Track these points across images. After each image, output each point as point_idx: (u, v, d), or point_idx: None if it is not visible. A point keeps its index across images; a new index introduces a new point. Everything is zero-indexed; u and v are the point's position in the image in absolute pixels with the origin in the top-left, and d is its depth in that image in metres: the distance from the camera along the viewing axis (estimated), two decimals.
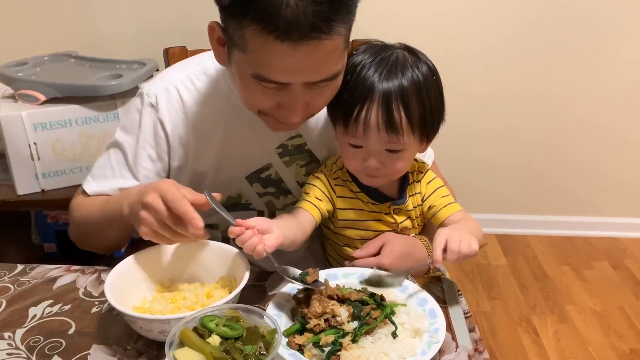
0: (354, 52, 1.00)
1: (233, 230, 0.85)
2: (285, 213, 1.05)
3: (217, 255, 0.96)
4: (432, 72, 0.99)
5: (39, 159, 1.66)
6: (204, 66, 1.09)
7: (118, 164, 1.11)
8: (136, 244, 0.96)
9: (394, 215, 1.09)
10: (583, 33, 2.47)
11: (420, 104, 0.96)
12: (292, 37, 0.81)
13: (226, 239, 1.17)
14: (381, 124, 0.94)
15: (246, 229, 0.85)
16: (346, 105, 0.96)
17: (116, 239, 1.12)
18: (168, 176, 1.13)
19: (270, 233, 0.88)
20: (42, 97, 1.66)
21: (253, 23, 0.82)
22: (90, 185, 1.12)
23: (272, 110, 0.95)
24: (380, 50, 0.98)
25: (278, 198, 1.16)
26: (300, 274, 0.93)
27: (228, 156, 1.10)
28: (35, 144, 1.64)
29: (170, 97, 1.07)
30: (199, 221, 0.85)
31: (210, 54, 1.07)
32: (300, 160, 1.14)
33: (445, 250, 0.91)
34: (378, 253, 1.07)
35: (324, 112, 1.09)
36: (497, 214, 2.81)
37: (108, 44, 2.33)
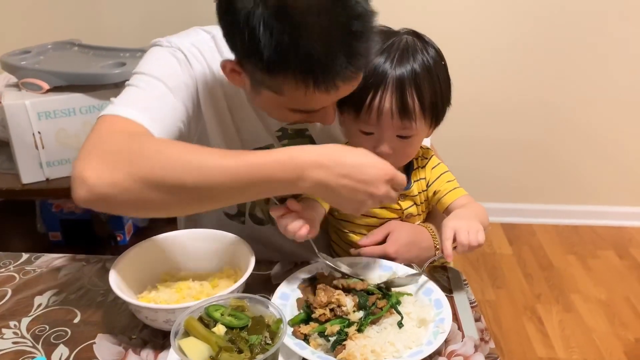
0: None
1: (277, 213, 0.88)
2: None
3: (222, 244, 0.96)
4: (440, 56, 0.99)
5: (43, 147, 1.66)
6: (213, 34, 1.07)
7: (166, 101, 0.95)
8: (140, 233, 0.95)
9: (399, 202, 1.08)
10: (582, 37, 2.49)
11: (432, 88, 0.96)
12: (335, 88, 0.83)
13: (230, 216, 1.17)
14: (395, 110, 0.94)
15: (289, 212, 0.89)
16: (359, 92, 0.95)
17: (215, 203, 0.86)
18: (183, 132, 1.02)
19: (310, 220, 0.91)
20: (46, 86, 1.66)
21: (291, 78, 0.82)
22: (140, 118, 0.89)
23: (304, 119, 0.96)
24: (388, 36, 0.98)
25: None
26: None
27: (236, 126, 1.09)
28: (39, 132, 1.64)
29: (194, 53, 1.03)
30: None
31: (212, 28, 1.06)
32: (299, 144, 1.13)
33: (454, 241, 0.91)
34: (384, 241, 1.07)
35: None
36: (503, 203, 2.80)
37: (111, 32, 2.33)
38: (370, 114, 0.95)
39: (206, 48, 1.04)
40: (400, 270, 0.97)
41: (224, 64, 0.92)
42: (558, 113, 2.63)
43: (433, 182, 1.10)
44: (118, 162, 0.80)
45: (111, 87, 1.69)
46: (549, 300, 2.28)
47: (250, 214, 1.17)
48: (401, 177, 0.86)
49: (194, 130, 1.05)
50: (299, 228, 0.88)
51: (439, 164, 1.11)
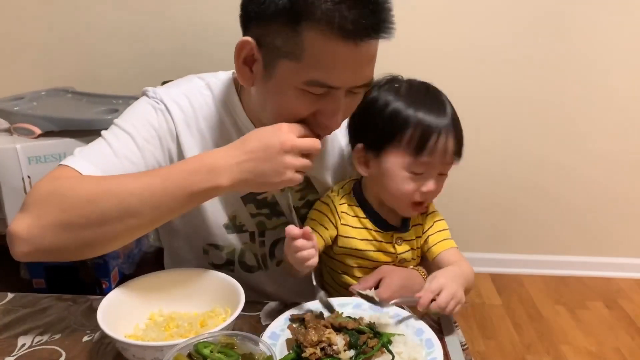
0: (397, 85, 1.05)
1: (294, 233, 0.90)
2: None
3: (211, 283, 0.95)
4: None
5: None
6: (207, 81, 1.09)
7: (125, 147, 0.97)
8: (126, 280, 0.94)
9: (395, 245, 1.09)
10: (577, 91, 2.56)
11: (461, 134, 1.05)
12: (359, 36, 0.84)
13: (217, 266, 1.15)
14: (452, 149, 1.02)
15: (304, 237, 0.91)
16: (422, 133, 1.00)
17: (147, 225, 0.89)
18: None
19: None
20: (38, 131, 1.67)
21: (316, 25, 0.83)
22: (84, 167, 0.90)
23: (310, 117, 0.95)
24: (423, 87, 1.06)
25: (270, 219, 1.15)
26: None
27: None
28: (29, 177, 1.64)
29: (181, 104, 1.04)
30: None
31: (208, 75, 1.10)
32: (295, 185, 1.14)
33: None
34: (376, 287, 1.06)
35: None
36: (491, 253, 2.80)
37: (105, 81, 2.36)
38: (434, 154, 1.00)
39: (198, 95, 1.06)
40: (391, 310, 0.96)
41: (242, 44, 0.92)
42: (546, 164, 2.67)
43: (428, 228, 1.12)
44: (42, 210, 0.82)
45: None
46: (539, 350, 2.26)
47: (240, 262, 1.16)
48: (304, 143, 0.89)
49: None
50: (311, 256, 0.91)
51: (434, 211, 1.14)
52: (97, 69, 2.39)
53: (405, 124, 1.00)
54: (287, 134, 0.88)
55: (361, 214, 1.09)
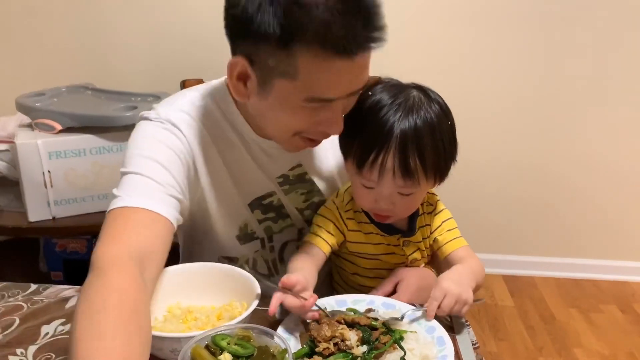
0: (370, 92, 0.99)
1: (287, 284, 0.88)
2: (300, 253, 1.04)
3: (228, 277, 0.97)
4: (445, 113, 0.98)
5: (52, 186, 1.70)
6: (202, 92, 1.08)
7: (159, 173, 0.96)
8: None
9: (403, 248, 1.09)
10: (582, 102, 2.55)
11: (434, 148, 0.95)
12: (353, 51, 0.83)
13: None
14: (397, 171, 0.94)
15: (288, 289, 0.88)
16: (362, 150, 0.96)
17: None
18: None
19: (307, 290, 0.90)
20: (58, 126, 1.70)
21: (308, 46, 0.82)
22: (146, 204, 0.91)
23: (311, 128, 0.95)
24: (398, 92, 0.97)
25: (276, 222, 1.15)
26: None
27: (234, 180, 1.09)
28: (49, 171, 1.68)
29: (184, 119, 1.03)
30: None
31: (201, 86, 1.10)
32: (300, 188, 1.14)
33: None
34: (394, 290, 1.06)
35: (323, 142, 1.08)
36: (504, 255, 2.80)
37: (124, 78, 2.39)
38: (372, 172, 0.95)
39: (198, 107, 1.05)
40: (403, 308, 0.97)
41: (234, 63, 0.91)
42: (560, 169, 2.66)
43: (436, 229, 1.11)
44: None
45: (121, 129, 1.74)
46: (552, 353, 2.25)
47: (252, 270, 1.16)
48: None
49: (190, 199, 1.04)
50: (304, 310, 0.89)
51: (442, 210, 1.12)
52: (116, 66, 2.42)
53: (354, 134, 0.97)
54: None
55: (365, 219, 1.07)
